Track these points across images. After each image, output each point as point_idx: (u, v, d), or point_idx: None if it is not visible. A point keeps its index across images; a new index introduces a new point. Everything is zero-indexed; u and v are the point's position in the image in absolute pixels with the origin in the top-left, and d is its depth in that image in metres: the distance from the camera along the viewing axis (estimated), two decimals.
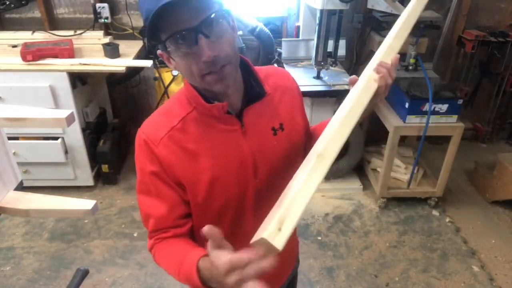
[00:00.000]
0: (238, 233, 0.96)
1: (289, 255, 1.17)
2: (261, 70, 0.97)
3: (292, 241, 1.00)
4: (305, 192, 0.71)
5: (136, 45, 2.74)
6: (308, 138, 1.07)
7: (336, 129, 0.79)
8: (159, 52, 0.84)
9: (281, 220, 0.66)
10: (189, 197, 0.91)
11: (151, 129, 0.88)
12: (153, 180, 0.88)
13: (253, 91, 0.93)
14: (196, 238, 0.96)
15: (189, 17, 0.74)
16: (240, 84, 0.91)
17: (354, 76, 0.91)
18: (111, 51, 2.51)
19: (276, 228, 0.65)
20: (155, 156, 0.86)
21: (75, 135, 2.59)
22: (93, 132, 2.76)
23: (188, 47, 0.77)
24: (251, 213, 0.96)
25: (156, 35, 0.78)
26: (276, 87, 0.97)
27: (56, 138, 2.58)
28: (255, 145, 0.91)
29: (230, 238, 0.80)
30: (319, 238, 2.48)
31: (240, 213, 0.96)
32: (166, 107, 0.93)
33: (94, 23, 2.78)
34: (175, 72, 2.54)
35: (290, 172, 0.91)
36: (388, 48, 0.93)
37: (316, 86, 2.47)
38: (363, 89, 0.86)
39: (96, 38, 2.77)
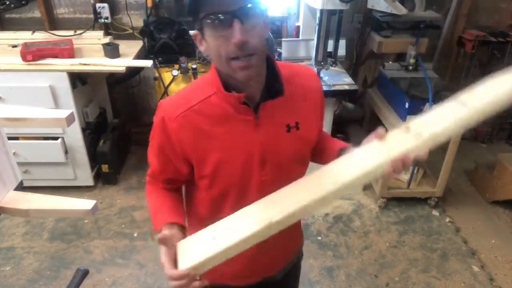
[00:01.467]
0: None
1: (282, 249, 1.16)
2: (288, 68, 1.00)
3: (286, 237, 1.02)
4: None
5: (136, 45, 2.74)
6: (318, 140, 1.09)
7: (320, 197, 0.82)
8: (192, 33, 0.89)
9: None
10: (196, 174, 0.99)
11: (170, 106, 0.94)
12: (159, 145, 0.98)
13: (274, 87, 0.95)
14: (200, 210, 1.07)
15: (229, 2, 0.79)
16: (262, 78, 0.94)
17: (382, 131, 0.87)
18: (111, 51, 2.51)
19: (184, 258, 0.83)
20: (168, 130, 0.93)
21: (75, 135, 2.59)
22: (93, 132, 2.76)
23: (222, 29, 0.81)
24: (252, 202, 0.98)
25: (195, 12, 0.83)
26: (301, 86, 0.99)
27: (56, 138, 2.58)
28: (266, 139, 0.95)
29: None
30: (319, 238, 2.48)
31: (242, 200, 0.97)
32: (190, 87, 1.00)
33: (94, 23, 2.79)
34: (175, 72, 2.54)
35: (297, 170, 1.03)
36: (429, 136, 0.81)
37: None
38: (371, 170, 0.82)
39: (96, 38, 2.77)
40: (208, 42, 0.85)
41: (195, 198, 1.07)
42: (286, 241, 1.14)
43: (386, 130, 0.86)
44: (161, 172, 1.02)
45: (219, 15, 0.80)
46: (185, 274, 0.81)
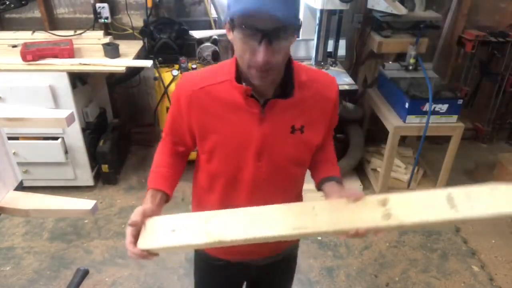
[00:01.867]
0: (228, 205, 1.03)
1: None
2: (310, 72, 1.02)
3: None
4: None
5: (136, 45, 2.74)
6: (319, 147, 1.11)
7: (292, 234, 0.86)
8: (225, 22, 0.91)
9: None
10: (198, 148, 1.07)
11: (188, 81, 1.02)
12: (172, 112, 1.07)
13: (287, 87, 0.98)
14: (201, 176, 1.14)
15: (266, 20, 0.80)
16: (278, 78, 0.97)
17: (359, 194, 0.89)
18: (111, 51, 2.51)
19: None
20: (180, 103, 1.01)
21: (75, 135, 2.59)
22: (93, 132, 2.76)
23: (250, 40, 0.84)
24: (244, 193, 1.05)
25: (232, 6, 0.86)
26: (316, 92, 1.01)
27: (56, 138, 2.58)
28: (267, 134, 0.98)
29: (220, 206, 1.04)
30: (319, 238, 2.47)
31: (233, 186, 1.05)
32: (211, 68, 1.06)
33: (94, 23, 2.79)
34: (175, 72, 2.54)
35: (293, 171, 1.07)
36: (398, 224, 0.81)
37: None
38: (329, 231, 0.87)
39: (96, 38, 2.77)
40: (235, 39, 0.88)
41: (199, 165, 1.14)
42: None
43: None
44: (170, 134, 1.11)
45: (250, 31, 0.83)
46: (140, 253, 0.92)
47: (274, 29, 0.81)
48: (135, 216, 0.97)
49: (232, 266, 1.22)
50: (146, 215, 0.99)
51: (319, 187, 1.11)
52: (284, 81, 0.98)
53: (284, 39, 0.85)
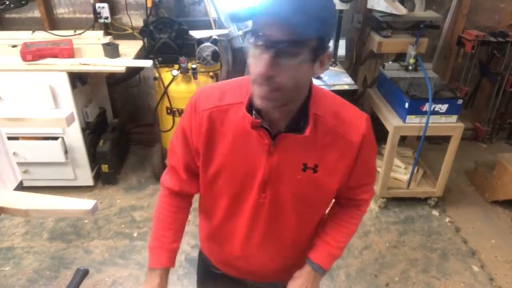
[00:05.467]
0: (226, 231, 1.06)
1: (265, 266, 1.13)
2: (329, 103, 0.91)
3: (276, 257, 1.09)
4: None
5: (136, 45, 2.74)
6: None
7: None
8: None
9: None
10: (200, 170, 1.00)
11: (204, 97, 0.94)
12: (183, 128, 0.98)
13: (300, 124, 0.89)
14: (201, 212, 1.13)
15: (279, 30, 0.71)
16: (291, 113, 0.88)
17: None
18: (111, 51, 2.51)
19: None
20: (192, 119, 0.94)
21: (75, 135, 2.59)
22: (93, 132, 2.76)
23: (258, 51, 0.75)
24: (245, 222, 1.02)
25: (246, 20, 0.79)
26: (336, 132, 0.90)
27: (56, 138, 2.58)
28: (276, 167, 0.91)
29: (218, 231, 1.04)
30: None
31: (234, 213, 1.02)
32: (231, 83, 0.98)
33: (94, 23, 2.78)
34: (175, 72, 2.54)
35: (300, 212, 1.00)
36: None
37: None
38: None
39: (96, 38, 2.77)
40: (249, 50, 0.80)
41: (201, 193, 1.09)
42: (275, 261, 1.12)
43: None
44: (183, 156, 1.01)
45: (259, 41, 0.74)
46: None
47: (285, 41, 0.71)
48: None
49: (228, 278, 1.20)
50: None
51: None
52: (300, 113, 0.88)
53: (295, 56, 0.73)
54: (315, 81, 2.50)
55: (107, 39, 2.76)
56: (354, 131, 0.91)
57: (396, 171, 2.81)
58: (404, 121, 2.47)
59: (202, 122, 0.92)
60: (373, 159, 1.04)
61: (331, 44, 2.46)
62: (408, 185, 2.72)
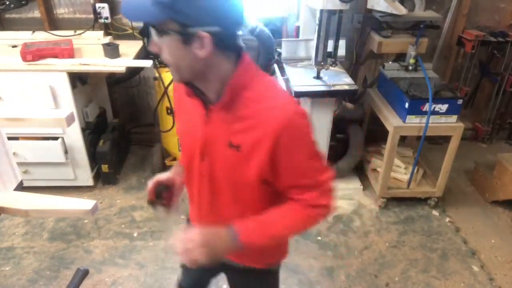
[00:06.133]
0: (190, 195, 1.18)
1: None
2: (258, 88, 0.93)
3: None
4: None
5: (136, 45, 2.74)
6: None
7: None
8: None
9: None
10: None
11: None
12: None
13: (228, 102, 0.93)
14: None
15: (132, 15, 0.84)
16: (214, 90, 0.93)
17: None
18: (111, 51, 2.51)
19: None
20: (174, 90, 1.16)
21: (75, 135, 2.59)
22: (93, 132, 2.76)
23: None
24: (196, 191, 1.12)
25: None
26: (256, 115, 0.91)
27: (56, 138, 2.58)
28: (209, 138, 0.98)
29: (188, 192, 1.19)
30: (319, 238, 2.48)
31: (189, 179, 1.13)
32: None
33: (94, 23, 2.78)
34: None
35: (232, 188, 1.03)
36: None
37: (316, 86, 2.47)
38: None
39: (96, 38, 2.77)
40: None
41: None
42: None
43: None
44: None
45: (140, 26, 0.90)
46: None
47: (142, 27, 0.87)
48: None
49: None
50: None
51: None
52: (226, 92, 0.91)
53: (165, 37, 0.83)
54: (315, 81, 2.50)
55: (107, 39, 2.76)
56: (274, 120, 0.89)
57: (396, 171, 2.81)
58: (404, 121, 2.47)
59: (175, 93, 1.13)
60: (304, 158, 0.95)
61: (331, 43, 2.46)
62: (408, 185, 2.72)
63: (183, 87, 0.97)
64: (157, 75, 2.61)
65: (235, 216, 1.01)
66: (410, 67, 2.74)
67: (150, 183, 1.13)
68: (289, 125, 0.89)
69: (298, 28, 2.85)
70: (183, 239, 0.93)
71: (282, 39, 2.84)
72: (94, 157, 2.76)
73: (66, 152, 2.63)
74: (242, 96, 0.91)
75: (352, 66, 3.13)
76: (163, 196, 1.15)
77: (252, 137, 0.91)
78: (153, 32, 0.84)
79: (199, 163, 1.02)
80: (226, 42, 0.86)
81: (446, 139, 2.58)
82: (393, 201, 2.77)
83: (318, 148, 0.97)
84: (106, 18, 2.75)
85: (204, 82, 0.92)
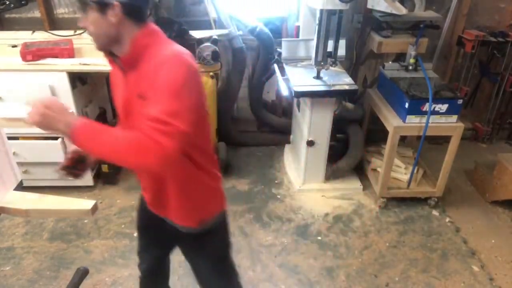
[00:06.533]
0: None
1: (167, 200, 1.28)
2: (159, 54, 1.08)
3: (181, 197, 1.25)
4: None
5: None
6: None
7: None
8: None
9: None
10: None
11: None
12: None
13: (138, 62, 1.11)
14: None
15: None
16: (128, 50, 1.11)
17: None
18: None
19: None
20: None
21: None
22: None
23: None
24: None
25: None
26: (152, 65, 1.06)
27: (56, 138, 2.58)
28: (128, 96, 1.15)
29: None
30: (319, 238, 2.48)
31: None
32: None
33: None
34: None
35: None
36: None
37: (316, 86, 2.48)
38: None
39: None
40: None
41: None
42: (150, 193, 1.34)
43: None
44: None
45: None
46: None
47: (78, 2, 1.08)
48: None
49: (157, 219, 1.36)
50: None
51: None
52: (130, 49, 1.11)
53: (91, 12, 1.07)
54: (315, 81, 2.50)
55: None
56: (162, 57, 1.07)
57: (396, 171, 2.81)
58: (404, 121, 2.47)
59: (110, 72, 1.29)
60: (165, 92, 1.02)
61: (331, 43, 2.46)
62: (408, 185, 2.72)
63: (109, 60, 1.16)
64: None
65: (156, 174, 1.23)
66: (410, 67, 2.74)
67: (70, 152, 1.34)
68: (168, 60, 1.05)
69: (298, 28, 2.86)
70: (36, 101, 1.06)
71: (282, 39, 2.84)
72: None
73: (66, 152, 2.63)
74: (145, 55, 1.08)
75: (352, 66, 3.13)
76: (77, 167, 1.35)
77: (148, 81, 1.06)
78: (79, 7, 1.07)
79: (125, 122, 1.19)
80: (134, 13, 1.07)
81: (446, 139, 2.58)
82: (393, 201, 2.77)
83: (190, 104, 1.04)
84: None
85: (118, 47, 1.11)
